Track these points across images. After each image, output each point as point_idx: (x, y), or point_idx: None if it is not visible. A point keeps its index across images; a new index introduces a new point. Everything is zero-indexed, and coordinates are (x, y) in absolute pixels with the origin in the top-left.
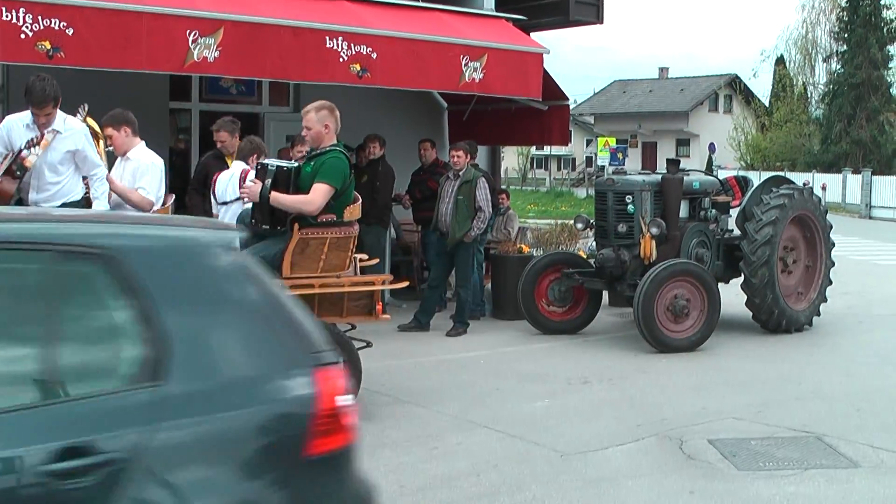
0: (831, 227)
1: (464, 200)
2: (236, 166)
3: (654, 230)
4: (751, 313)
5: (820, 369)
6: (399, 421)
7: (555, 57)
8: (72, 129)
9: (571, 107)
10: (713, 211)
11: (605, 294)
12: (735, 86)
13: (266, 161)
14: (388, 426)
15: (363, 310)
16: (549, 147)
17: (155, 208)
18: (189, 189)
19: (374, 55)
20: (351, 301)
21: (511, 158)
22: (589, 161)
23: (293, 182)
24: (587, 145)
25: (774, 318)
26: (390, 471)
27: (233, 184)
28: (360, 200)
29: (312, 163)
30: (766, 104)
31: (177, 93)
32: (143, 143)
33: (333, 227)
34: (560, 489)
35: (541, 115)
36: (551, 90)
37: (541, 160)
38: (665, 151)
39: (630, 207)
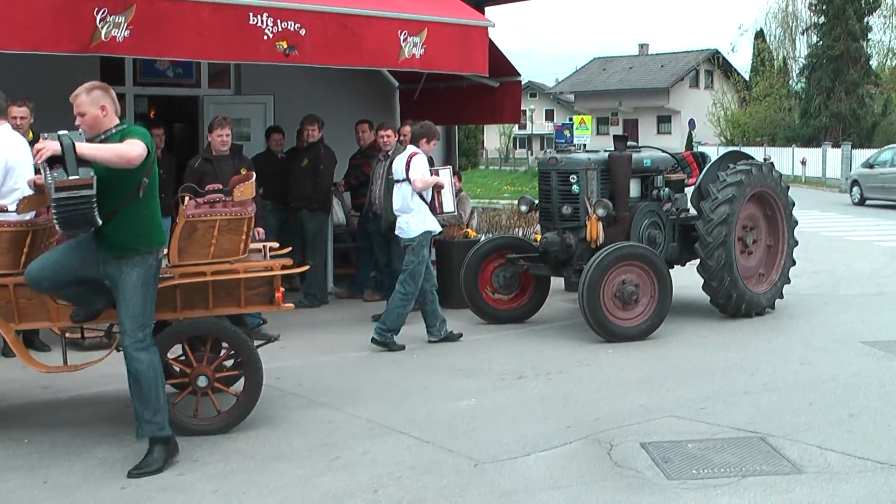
0: (793, 205)
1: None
2: (410, 149)
3: (601, 211)
4: (709, 298)
5: (776, 358)
6: (306, 426)
7: (534, 36)
8: None
9: (552, 85)
10: (667, 190)
11: (561, 279)
12: (715, 61)
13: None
14: (293, 433)
15: (263, 298)
16: (531, 126)
17: (4, 202)
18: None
19: (303, 31)
20: (248, 289)
21: (493, 139)
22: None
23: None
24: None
25: (733, 302)
26: (279, 487)
27: (400, 165)
28: (254, 178)
29: None
30: (746, 79)
31: (109, 76)
32: (7, 126)
33: (223, 206)
34: None
35: (493, 92)
36: (502, 66)
37: (523, 140)
38: (646, 129)
39: (575, 188)
